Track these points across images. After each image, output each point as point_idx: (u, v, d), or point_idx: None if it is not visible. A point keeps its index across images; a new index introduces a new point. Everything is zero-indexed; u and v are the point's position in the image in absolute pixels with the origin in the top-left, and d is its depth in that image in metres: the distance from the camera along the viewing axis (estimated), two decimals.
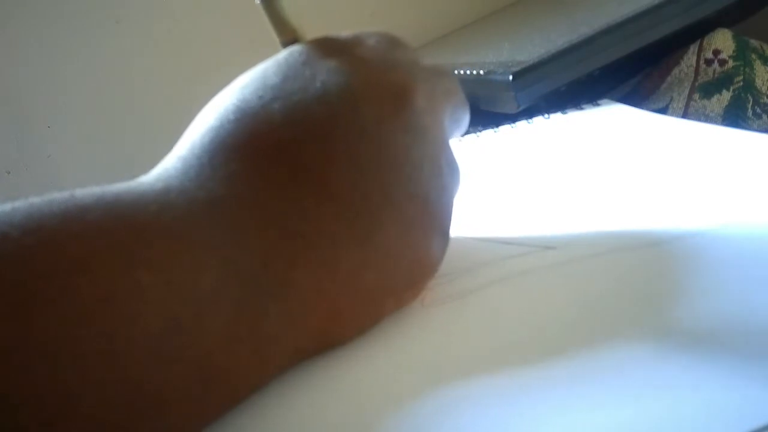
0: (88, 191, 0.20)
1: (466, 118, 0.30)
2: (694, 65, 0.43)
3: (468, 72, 0.45)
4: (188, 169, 0.22)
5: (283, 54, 0.25)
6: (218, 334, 0.20)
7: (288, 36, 0.26)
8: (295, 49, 0.25)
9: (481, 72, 0.44)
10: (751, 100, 0.41)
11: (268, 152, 0.22)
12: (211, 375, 0.19)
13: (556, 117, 0.43)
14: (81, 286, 0.18)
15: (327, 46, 0.25)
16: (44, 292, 0.17)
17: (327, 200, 0.22)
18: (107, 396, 0.17)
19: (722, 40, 0.43)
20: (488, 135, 0.43)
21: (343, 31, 0.27)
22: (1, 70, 0.60)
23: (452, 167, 0.26)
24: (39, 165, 0.62)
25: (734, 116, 0.41)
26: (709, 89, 0.42)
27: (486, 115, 0.45)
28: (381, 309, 0.24)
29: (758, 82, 0.42)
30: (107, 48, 0.62)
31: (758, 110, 0.41)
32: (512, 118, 0.43)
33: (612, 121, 0.41)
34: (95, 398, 0.17)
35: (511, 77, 0.41)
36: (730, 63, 0.42)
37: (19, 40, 0.60)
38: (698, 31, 0.44)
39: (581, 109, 0.43)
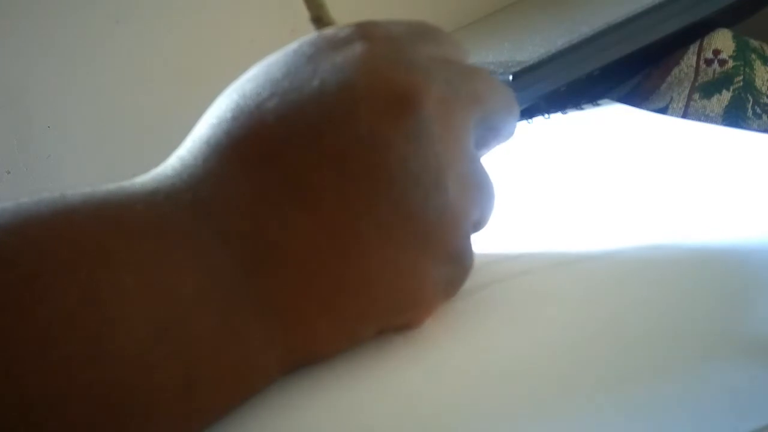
0: (78, 192, 0.20)
1: (507, 127, 0.26)
2: (694, 65, 0.43)
3: None
4: (183, 168, 0.21)
5: (294, 45, 0.23)
6: (203, 342, 0.19)
7: (314, 12, 0.25)
8: (307, 39, 0.23)
9: None
10: (751, 100, 0.41)
11: (257, 155, 0.21)
12: (197, 384, 0.19)
13: (556, 117, 0.43)
14: (65, 288, 0.17)
15: (341, 37, 0.23)
16: (28, 294, 0.17)
17: (309, 209, 0.21)
18: (95, 399, 0.17)
19: (722, 40, 0.43)
20: None
21: (374, 18, 0.24)
22: (1, 70, 0.60)
23: (469, 186, 0.23)
24: (39, 165, 0.62)
25: (734, 116, 0.41)
26: (709, 89, 0.42)
27: None
28: (361, 332, 0.22)
29: (758, 82, 0.42)
30: (107, 48, 0.62)
31: (758, 110, 0.41)
32: None
33: (612, 121, 0.41)
34: (83, 401, 0.17)
35: (511, 77, 0.41)
36: (730, 63, 0.42)
37: (19, 40, 0.60)
38: (698, 31, 0.44)
39: (581, 109, 0.43)
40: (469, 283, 0.26)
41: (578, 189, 0.33)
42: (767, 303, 0.21)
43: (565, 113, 0.43)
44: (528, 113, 0.43)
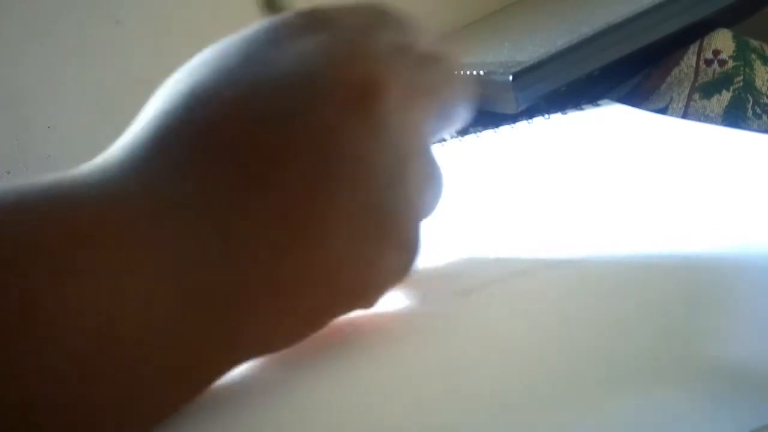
0: (21, 185, 0.19)
1: (461, 114, 0.26)
2: (694, 65, 0.43)
3: (468, 72, 0.45)
4: (133, 160, 0.20)
5: (249, 31, 0.23)
6: (155, 344, 0.19)
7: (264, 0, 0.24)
8: (262, 26, 0.23)
9: (481, 72, 0.44)
10: (751, 100, 0.41)
11: (216, 146, 0.20)
12: (149, 385, 0.19)
13: (556, 117, 0.43)
14: (7, 293, 0.17)
15: (299, 24, 0.22)
16: None
17: (271, 204, 0.20)
18: (47, 406, 0.17)
19: (722, 40, 0.43)
20: (488, 135, 0.43)
21: (330, 5, 0.24)
22: (1, 70, 0.60)
23: (425, 175, 0.24)
24: (39, 165, 0.62)
25: (734, 116, 0.41)
26: (709, 89, 0.42)
27: (486, 115, 0.45)
28: (319, 322, 0.22)
29: (758, 82, 0.42)
30: (107, 48, 0.62)
31: (758, 110, 0.41)
32: (512, 118, 0.43)
33: (612, 121, 0.41)
34: (24, 415, 0.17)
35: (511, 77, 0.41)
36: (730, 63, 0.42)
37: (19, 40, 0.60)
38: (698, 31, 0.44)
39: (581, 109, 0.43)
40: (468, 283, 0.26)
41: (578, 189, 0.33)
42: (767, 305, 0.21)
43: (565, 113, 0.43)
44: (528, 113, 0.43)
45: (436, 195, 0.25)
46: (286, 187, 0.20)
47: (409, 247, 0.23)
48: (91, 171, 0.20)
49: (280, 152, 0.20)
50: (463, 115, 0.27)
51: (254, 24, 0.23)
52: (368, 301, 0.23)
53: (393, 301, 0.25)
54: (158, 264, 0.19)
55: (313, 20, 0.23)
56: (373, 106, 0.21)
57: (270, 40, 0.22)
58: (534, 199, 0.33)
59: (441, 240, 0.30)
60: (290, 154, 0.20)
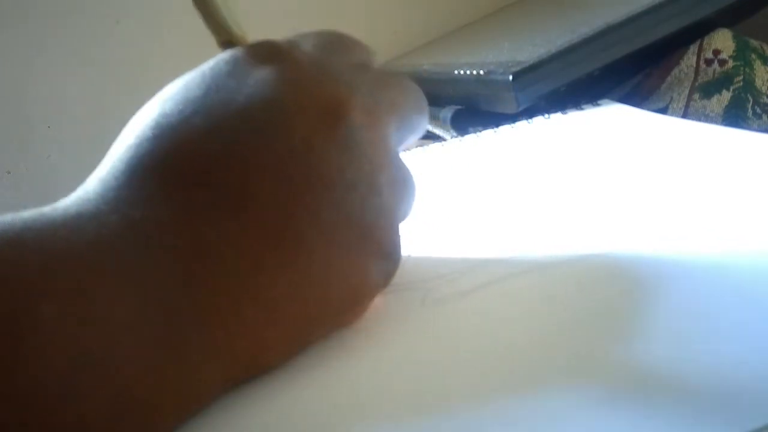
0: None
1: (422, 125, 0.28)
2: (694, 65, 0.43)
3: (468, 72, 0.45)
4: (106, 191, 0.21)
5: (210, 63, 0.24)
6: (137, 365, 0.19)
7: (223, 36, 0.24)
8: (222, 57, 0.24)
9: (481, 72, 0.44)
10: (751, 100, 0.41)
11: (188, 171, 0.21)
12: (131, 408, 0.18)
13: (556, 117, 0.43)
14: None
15: (258, 53, 0.23)
16: None
17: (250, 223, 0.21)
18: (34, 424, 0.17)
19: (722, 40, 0.43)
20: (488, 135, 0.43)
21: (284, 35, 0.25)
22: (1, 70, 0.60)
23: (397, 184, 0.25)
24: (39, 165, 0.62)
25: (734, 116, 0.41)
26: (709, 89, 0.42)
27: (486, 115, 0.45)
28: (309, 337, 0.23)
29: (758, 82, 0.42)
30: (107, 48, 0.62)
31: (758, 110, 0.41)
32: (512, 118, 0.43)
33: (612, 121, 0.41)
34: (29, 428, 0.17)
35: (511, 77, 0.41)
36: (730, 63, 0.42)
37: (19, 40, 0.60)
38: (698, 31, 0.44)
39: (581, 109, 0.43)
40: (468, 283, 0.26)
41: (578, 190, 0.33)
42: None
43: (565, 113, 0.43)
44: (528, 113, 0.43)
45: (409, 200, 0.26)
46: (259, 205, 0.21)
47: (390, 256, 0.24)
48: (71, 203, 0.21)
49: (251, 172, 0.21)
50: (422, 126, 0.28)
51: (214, 57, 0.24)
52: (353, 311, 0.24)
53: (392, 302, 0.25)
54: (138, 286, 0.19)
55: (271, 50, 0.24)
56: (341, 125, 0.22)
57: (231, 69, 0.23)
58: (534, 199, 0.33)
59: (440, 240, 0.30)
60: (261, 174, 0.21)
